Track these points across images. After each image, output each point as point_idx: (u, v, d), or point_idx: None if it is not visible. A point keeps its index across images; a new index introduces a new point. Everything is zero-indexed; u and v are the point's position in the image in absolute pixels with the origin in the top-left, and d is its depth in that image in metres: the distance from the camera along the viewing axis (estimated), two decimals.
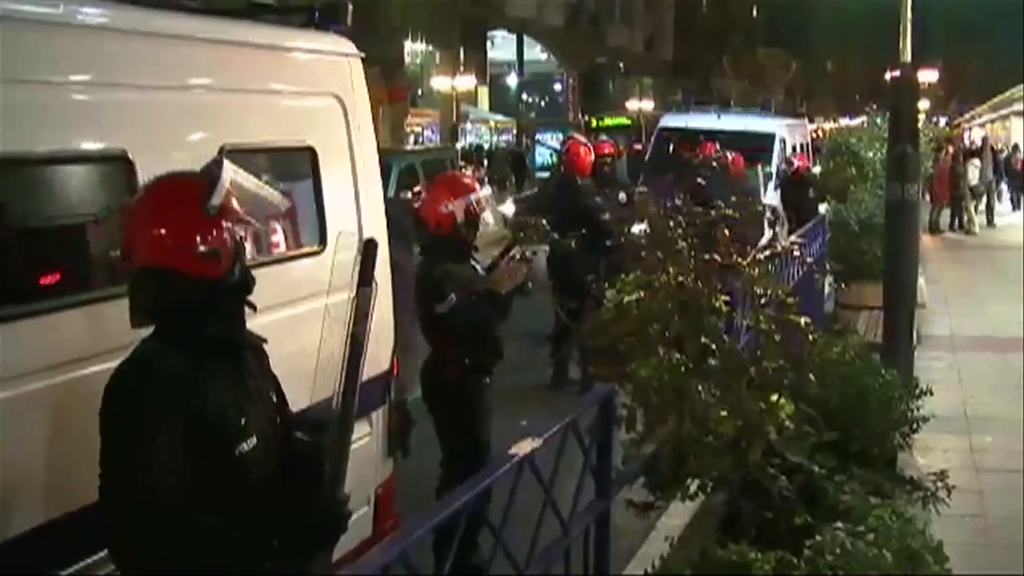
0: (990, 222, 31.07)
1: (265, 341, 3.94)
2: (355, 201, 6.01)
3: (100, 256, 4.41)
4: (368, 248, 4.16)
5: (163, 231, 3.62)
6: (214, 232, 3.65)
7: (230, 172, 3.71)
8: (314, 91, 5.94)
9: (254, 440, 3.65)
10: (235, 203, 3.71)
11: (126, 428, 3.50)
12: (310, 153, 5.70)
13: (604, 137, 15.50)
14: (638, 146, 33.80)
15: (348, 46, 6.25)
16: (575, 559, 4.63)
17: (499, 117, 56.16)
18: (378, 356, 5.87)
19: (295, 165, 5.74)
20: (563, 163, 13.88)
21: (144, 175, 4.16)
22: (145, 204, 3.72)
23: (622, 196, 13.26)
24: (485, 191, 7.50)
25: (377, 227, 6.02)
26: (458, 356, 6.92)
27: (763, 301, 5.68)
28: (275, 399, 3.91)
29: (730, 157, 16.23)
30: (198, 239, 3.62)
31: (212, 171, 3.70)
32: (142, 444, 3.46)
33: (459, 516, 3.55)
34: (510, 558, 3.90)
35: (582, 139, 14.40)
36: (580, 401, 4.92)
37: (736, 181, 14.90)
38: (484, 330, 6.94)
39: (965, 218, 30.12)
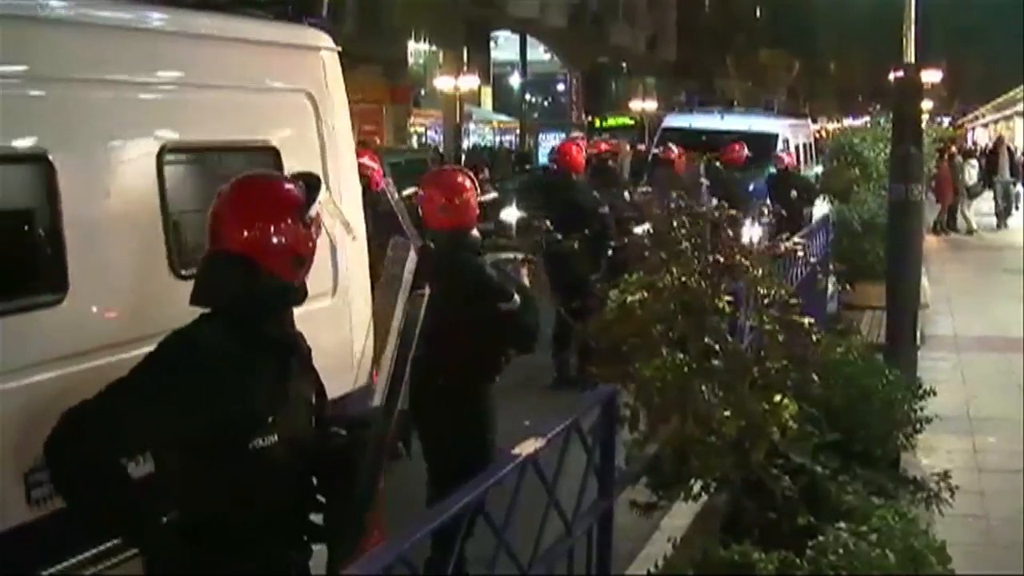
0: (1000, 225, 30.89)
1: (309, 349, 4.07)
2: None
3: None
4: (422, 253, 4.35)
5: (266, 226, 3.84)
6: (306, 241, 3.92)
7: (324, 190, 4.02)
8: (280, 87, 5.62)
9: (275, 439, 3.74)
10: (324, 218, 3.99)
11: (145, 368, 3.67)
12: (272, 153, 5.38)
13: (607, 136, 15.46)
14: (641, 146, 33.82)
15: (323, 39, 5.90)
16: (578, 559, 4.63)
17: (502, 117, 56.15)
18: (362, 371, 5.58)
19: (253, 165, 5.22)
20: (557, 162, 13.99)
21: (65, 178, 4.11)
22: (250, 196, 3.93)
23: (625, 195, 13.31)
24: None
25: (350, 243, 5.61)
26: (499, 355, 6.87)
27: (766, 301, 5.68)
28: (314, 403, 4.05)
29: (675, 151, 15.96)
30: (294, 243, 3.87)
31: (312, 183, 4.00)
32: (141, 389, 3.63)
33: (463, 516, 3.55)
34: (513, 558, 3.90)
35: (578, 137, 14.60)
36: (582, 401, 4.91)
37: (680, 176, 14.79)
38: (537, 324, 6.96)
39: (959, 219, 30.09)
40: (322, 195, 3.96)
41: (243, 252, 3.80)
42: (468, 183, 6.99)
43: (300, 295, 3.97)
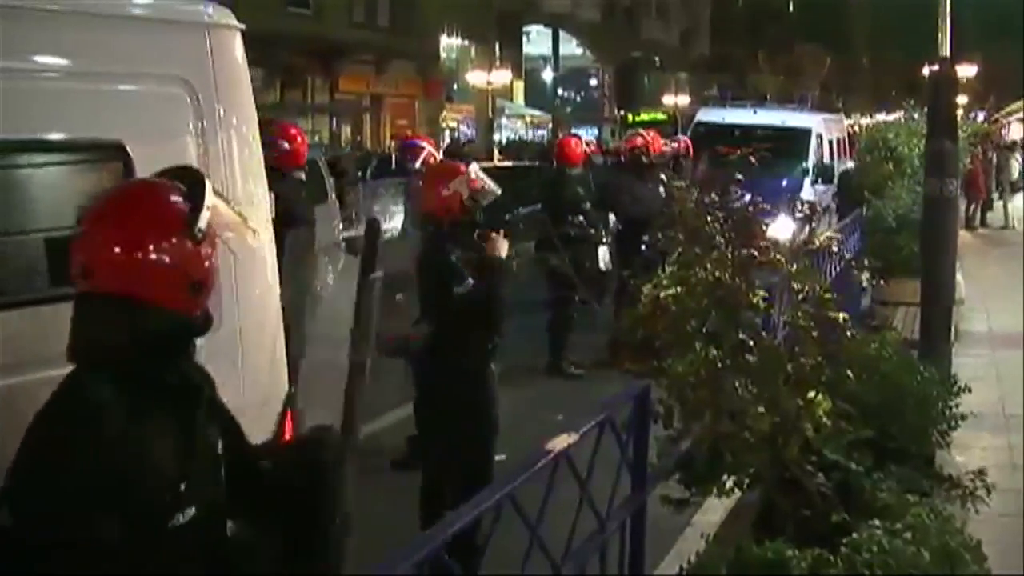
0: None
1: (212, 382, 3.37)
2: None
3: None
4: (371, 230, 3.63)
5: (146, 252, 3.04)
6: (200, 260, 3.12)
7: (211, 191, 3.21)
8: (137, 72, 4.51)
9: (192, 511, 3.06)
10: (217, 227, 3.20)
11: (25, 459, 2.96)
12: (118, 152, 4.34)
13: (640, 131, 15.39)
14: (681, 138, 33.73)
15: (212, 14, 4.91)
16: (610, 555, 4.62)
17: (534, 112, 56.18)
18: (263, 418, 4.62)
19: (90, 169, 4.44)
20: (554, 156, 14.19)
21: None
22: (119, 215, 3.10)
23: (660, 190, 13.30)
24: (474, 166, 7.50)
25: (249, 248, 4.71)
26: (477, 338, 6.94)
27: (801, 297, 5.66)
28: (222, 446, 3.30)
29: (640, 138, 14.69)
30: (185, 266, 3.08)
31: (195, 185, 3.19)
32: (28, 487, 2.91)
33: (499, 510, 3.54)
34: (546, 553, 3.89)
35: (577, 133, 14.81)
36: (615, 396, 4.89)
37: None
38: (502, 302, 6.93)
39: (991, 214, 30.00)
40: (210, 197, 3.17)
41: (121, 290, 3.01)
42: (444, 175, 7.17)
43: (203, 326, 3.21)
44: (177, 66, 4.64)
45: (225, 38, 4.94)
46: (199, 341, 3.22)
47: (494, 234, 6.67)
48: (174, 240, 3.06)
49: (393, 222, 9.90)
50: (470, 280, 6.75)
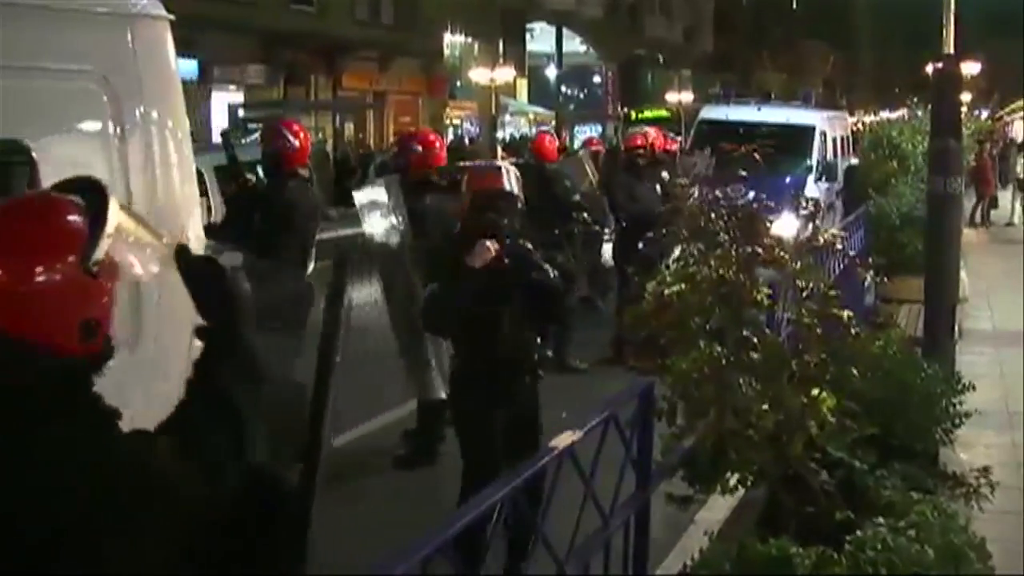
0: None
1: None
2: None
3: None
4: (339, 266, 3.32)
5: (29, 288, 2.54)
6: (97, 295, 2.65)
7: (116, 211, 2.69)
8: (45, 67, 4.11)
9: None
10: (121, 253, 2.71)
11: None
12: (20, 156, 3.99)
13: (644, 129, 15.40)
14: (677, 138, 33.73)
15: (137, 5, 4.48)
16: (614, 551, 4.62)
17: (538, 109, 56.16)
18: None
19: None
20: (530, 152, 14.32)
21: None
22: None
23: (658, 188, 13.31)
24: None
25: (173, 274, 4.33)
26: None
27: (805, 294, 5.65)
28: None
29: (641, 138, 14.45)
30: (80, 306, 2.61)
31: (92, 206, 2.67)
32: None
33: (501, 507, 3.54)
34: (550, 550, 3.89)
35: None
36: (620, 393, 4.90)
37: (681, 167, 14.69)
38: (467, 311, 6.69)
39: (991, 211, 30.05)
40: (113, 220, 2.65)
41: (8, 327, 2.53)
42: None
43: (97, 365, 2.69)
44: (93, 61, 4.21)
45: (151, 30, 4.48)
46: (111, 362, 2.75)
47: (487, 242, 6.45)
48: (64, 272, 2.57)
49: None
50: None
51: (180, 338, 4.20)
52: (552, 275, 6.52)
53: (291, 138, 9.11)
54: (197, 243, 4.59)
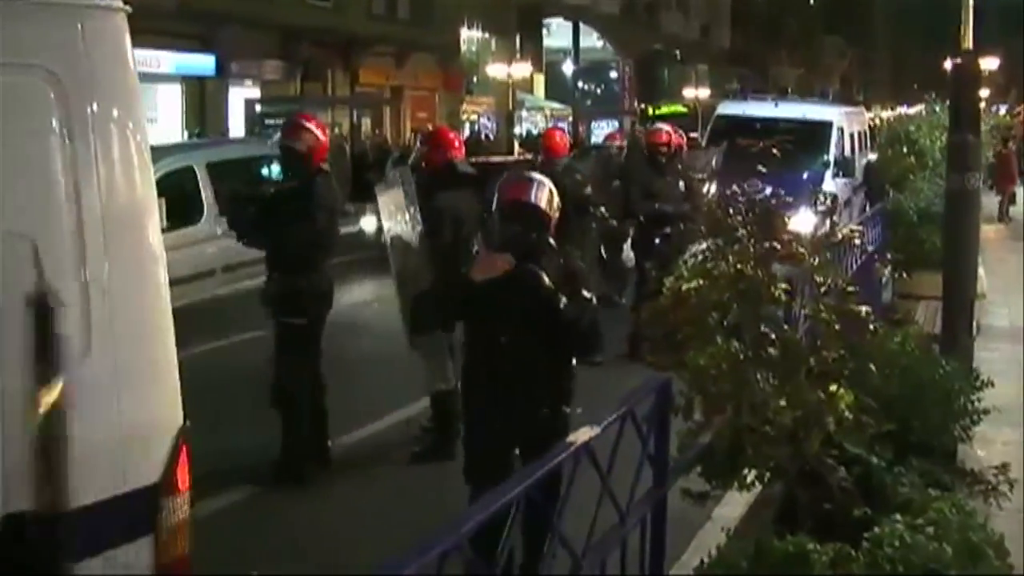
0: None
1: None
2: (77, 233, 3.97)
3: None
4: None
5: None
6: None
7: None
8: None
9: None
10: None
11: None
12: None
13: (660, 125, 15.45)
14: (694, 134, 33.71)
15: None
16: (631, 548, 4.61)
17: (555, 105, 56.13)
18: (149, 453, 4.24)
19: None
20: (541, 148, 14.31)
21: None
22: None
23: (680, 185, 13.31)
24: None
25: (132, 267, 4.20)
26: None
27: (823, 290, 5.64)
28: None
29: (684, 139, 14.67)
30: None
31: None
32: None
33: (517, 503, 3.54)
34: (567, 546, 3.89)
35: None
36: (636, 389, 4.89)
37: (687, 164, 14.66)
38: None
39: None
40: None
41: None
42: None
43: None
44: (39, 54, 3.97)
45: (105, 22, 4.18)
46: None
47: (498, 256, 6.13)
48: None
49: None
50: None
51: (137, 352, 4.21)
52: (575, 307, 5.98)
53: (318, 133, 9.12)
54: (157, 248, 4.40)
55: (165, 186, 14.12)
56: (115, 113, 4.16)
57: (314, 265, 8.91)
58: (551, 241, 6.24)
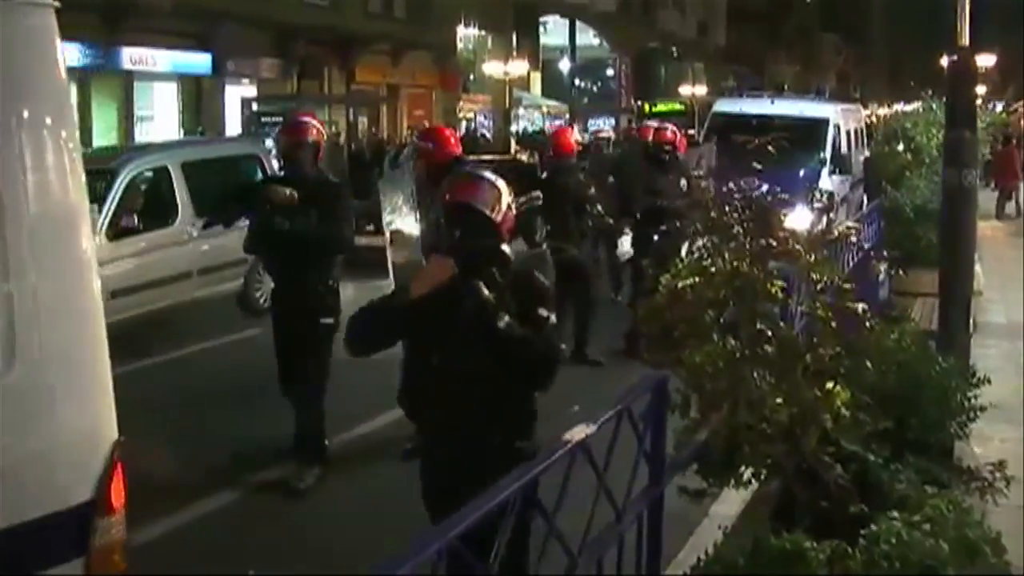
0: None
1: None
2: (0, 241, 3.78)
3: None
4: None
5: None
6: None
7: None
8: None
9: None
10: None
11: None
12: None
13: (658, 123, 15.52)
14: (691, 132, 33.74)
15: None
16: (628, 545, 4.61)
17: (552, 102, 56.17)
18: (79, 470, 4.04)
19: None
20: (550, 146, 14.33)
21: None
22: None
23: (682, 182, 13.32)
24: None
25: (62, 277, 4.00)
26: None
27: (819, 287, 5.64)
28: None
29: (677, 136, 14.50)
30: None
31: None
32: None
33: (512, 502, 3.53)
34: (563, 544, 3.88)
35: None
36: (633, 386, 4.88)
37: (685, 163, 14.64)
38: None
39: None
40: None
41: None
42: None
43: None
44: None
45: (30, 19, 3.96)
46: None
47: (437, 264, 5.27)
48: None
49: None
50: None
51: (67, 365, 4.05)
52: (518, 331, 5.05)
53: (323, 130, 9.10)
54: (89, 257, 4.19)
55: (138, 187, 14.13)
56: (44, 116, 3.97)
57: (335, 264, 8.94)
58: (505, 249, 5.35)
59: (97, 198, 13.33)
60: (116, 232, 13.22)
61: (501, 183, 5.43)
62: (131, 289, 13.25)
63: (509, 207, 5.38)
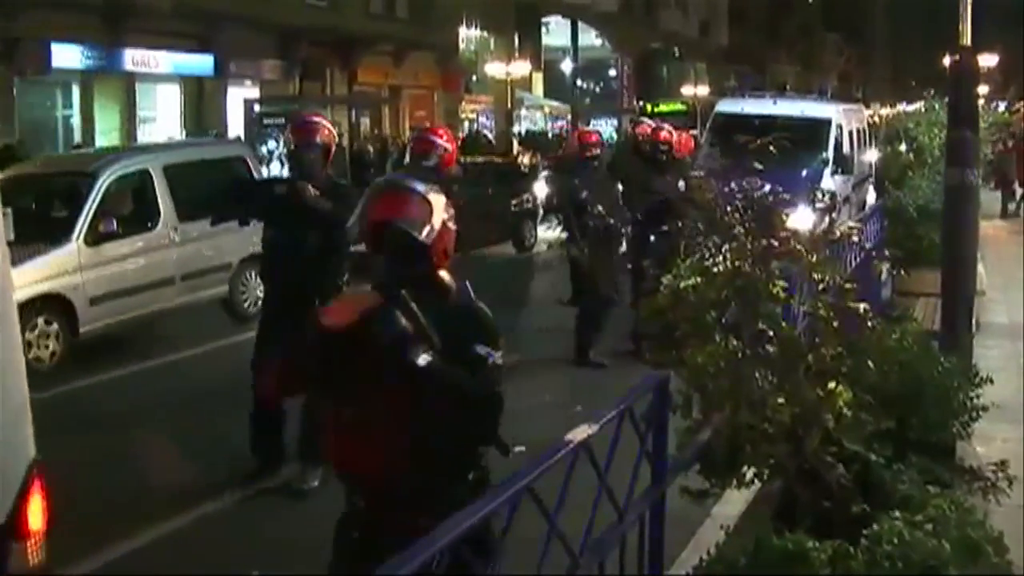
0: None
1: None
2: None
3: None
4: None
5: None
6: None
7: None
8: None
9: None
10: None
11: None
12: None
13: (648, 121, 15.58)
14: (693, 132, 33.78)
15: None
16: (630, 546, 4.61)
17: (553, 103, 56.15)
18: None
19: None
20: (577, 147, 14.40)
21: None
22: None
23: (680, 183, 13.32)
24: None
25: None
26: None
27: (821, 287, 5.64)
28: None
29: (673, 136, 14.56)
30: None
31: None
32: None
33: (514, 503, 3.53)
34: (565, 544, 3.88)
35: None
36: (635, 387, 4.88)
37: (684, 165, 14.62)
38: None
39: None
40: None
41: None
42: None
43: None
44: None
45: None
46: None
47: (353, 298, 4.68)
48: None
49: None
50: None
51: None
52: (447, 370, 4.20)
53: (333, 131, 9.01)
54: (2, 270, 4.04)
55: (118, 191, 13.94)
56: None
57: (343, 265, 8.86)
58: (442, 275, 4.54)
59: (76, 202, 13.35)
60: (95, 237, 13.11)
61: (434, 196, 4.50)
62: (111, 295, 13.18)
63: (445, 224, 4.48)
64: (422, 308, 4.20)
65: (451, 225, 4.51)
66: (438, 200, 4.48)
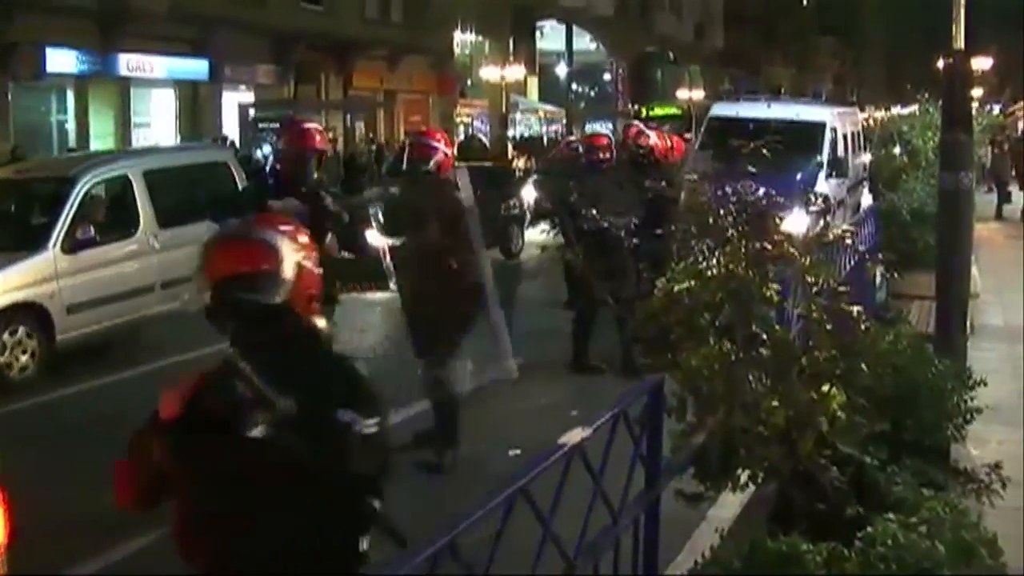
0: None
1: None
2: None
3: None
4: None
5: None
6: None
7: None
8: None
9: None
10: None
11: None
12: None
13: (633, 124, 15.61)
14: (688, 135, 33.78)
15: None
16: (624, 550, 4.61)
17: (548, 107, 56.19)
18: None
19: None
20: (592, 149, 14.28)
21: None
22: None
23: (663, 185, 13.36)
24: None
25: None
26: None
27: (815, 290, 5.65)
28: None
29: (651, 139, 14.45)
30: None
31: None
32: None
33: (508, 506, 3.53)
34: (559, 548, 3.88)
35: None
36: (629, 390, 4.88)
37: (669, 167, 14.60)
38: None
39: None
40: None
41: None
42: None
43: None
44: None
45: None
46: None
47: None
48: None
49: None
50: None
51: None
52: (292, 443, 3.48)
53: (326, 137, 9.01)
54: None
55: (97, 197, 13.72)
56: None
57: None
58: (313, 322, 3.86)
59: (54, 208, 13.15)
60: (73, 244, 12.87)
61: (280, 238, 3.80)
62: (88, 303, 12.98)
63: (302, 267, 3.79)
64: (286, 365, 3.61)
65: (309, 264, 3.81)
66: (286, 245, 3.77)
